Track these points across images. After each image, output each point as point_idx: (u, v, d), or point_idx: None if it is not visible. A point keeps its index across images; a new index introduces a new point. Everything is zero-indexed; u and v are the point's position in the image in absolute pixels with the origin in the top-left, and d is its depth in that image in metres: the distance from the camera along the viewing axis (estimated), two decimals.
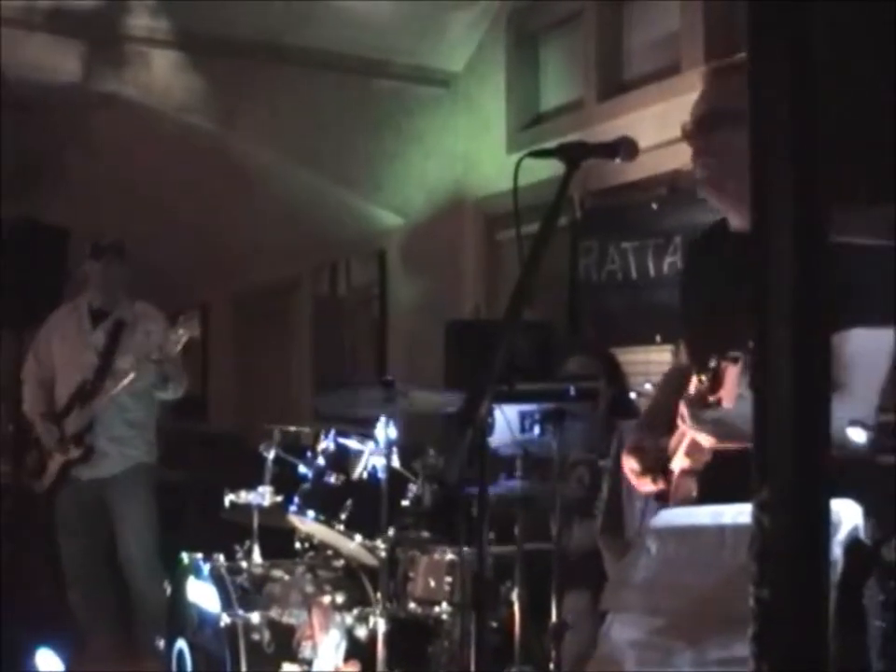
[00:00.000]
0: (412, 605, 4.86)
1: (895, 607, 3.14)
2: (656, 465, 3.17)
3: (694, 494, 2.95)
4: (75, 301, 6.47)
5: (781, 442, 1.23)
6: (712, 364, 2.82)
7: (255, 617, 4.97)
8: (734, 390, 2.75)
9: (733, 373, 2.74)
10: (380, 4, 7.68)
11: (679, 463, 3.03)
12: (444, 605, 4.78)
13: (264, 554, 5.32)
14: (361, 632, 4.94)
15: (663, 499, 3.13)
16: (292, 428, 5.59)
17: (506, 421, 4.35)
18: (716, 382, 2.83)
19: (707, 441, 2.86)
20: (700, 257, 3.39)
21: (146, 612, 6.02)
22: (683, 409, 2.90)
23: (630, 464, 3.24)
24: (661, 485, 3.16)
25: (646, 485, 3.21)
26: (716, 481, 2.89)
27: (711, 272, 3.20)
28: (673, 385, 3.32)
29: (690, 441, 2.97)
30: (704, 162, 3.05)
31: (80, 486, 6.15)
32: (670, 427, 3.09)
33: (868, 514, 2.45)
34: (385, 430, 4.87)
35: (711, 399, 2.84)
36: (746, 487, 2.66)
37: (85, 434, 6.08)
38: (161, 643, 5.39)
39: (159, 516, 6.22)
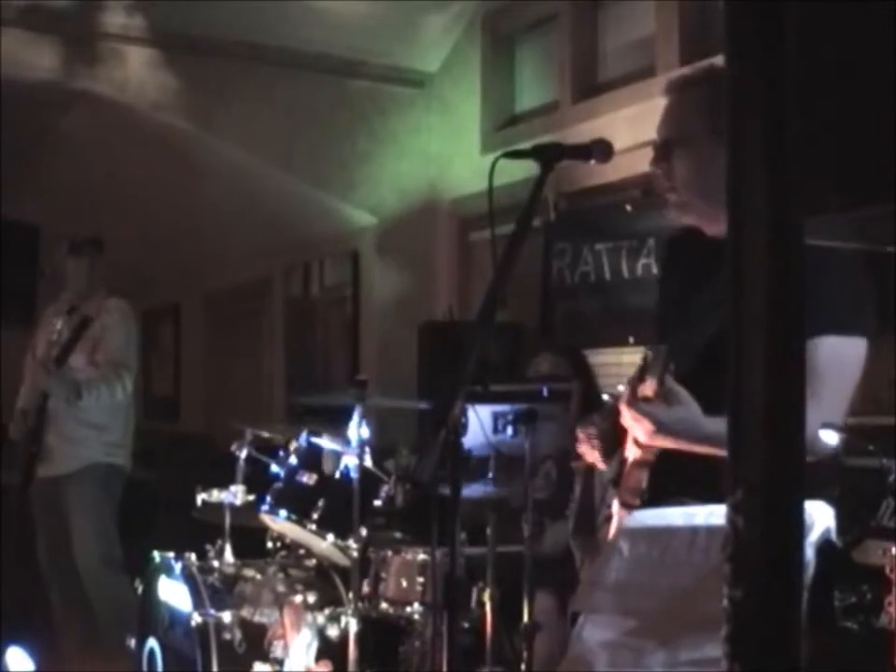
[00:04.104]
0: (383, 605, 4.86)
1: (866, 609, 3.15)
2: (605, 439, 3.21)
3: (644, 485, 2.95)
4: (62, 297, 6.45)
5: (755, 444, 1.23)
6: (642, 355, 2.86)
7: (226, 616, 4.96)
8: (652, 383, 2.76)
9: (651, 366, 2.77)
10: (355, 4, 7.68)
11: (631, 452, 3.03)
12: (416, 605, 4.78)
13: (236, 554, 5.31)
14: (333, 632, 4.94)
15: (615, 485, 3.14)
16: (265, 435, 5.58)
17: (479, 422, 4.35)
18: (643, 373, 2.85)
19: (641, 433, 2.86)
20: (671, 256, 3.44)
21: (100, 613, 6.01)
22: (624, 395, 2.90)
23: (582, 432, 3.28)
24: (599, 459, 3.20)
25: (589, 454, 3.26)
26: (667, 473, 2.90)
27: (680, 271, 3.25)
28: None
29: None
30: (666, 189, 3.10)
31: (38, 484, 6.15)
32: None
33: (839, 516, 2.47)
34: (358, 430, 4.87)
35: (639, 388, 2.86)
36: (695, 482, 2.72)
37: (40, 430, 6.07)
38: (132, 642, 5.37)
39: (119, 518, 6.19)
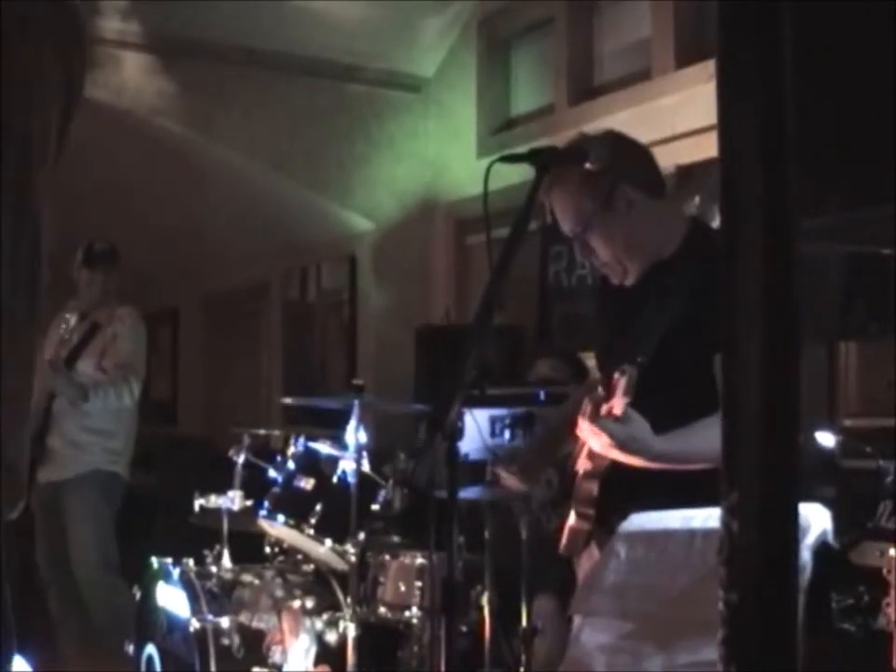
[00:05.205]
0: (381, 609, 4.85)
1: (864, 610, 3.15)
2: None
3: (595, 495, 3.09)
4: (71, 304, 6.43)
5: (750, 447, 1.23)
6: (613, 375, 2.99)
7: (224, 622, 4.95)
8: (620, 400, 2.90)
9: (621, 384, 2.90)
10: (353, 9, 7.68)
11: (582, 465, 3.15)
12: (414, 609, 4.77)
13: (234, 559, 5.30)
14: (331, 637, 4.93)
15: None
16: (262, 431, 5.58)
17: (476, 426, 4.34)
18: (609, 392, 2.98)
19: (599, 446, 2.98)
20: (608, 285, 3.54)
21: (98, 617, 6.00)
22: (584, 410, 3.05)
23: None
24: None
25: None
26: (616, 483, 3.04)
27: (617, 296, 3.34)
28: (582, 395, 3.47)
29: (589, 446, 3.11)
30: (600, 265, 3.26)
31: (39, 489, 6.14)
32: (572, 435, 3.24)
33: (837, 518, 2.47)
34: (356, 435, 4.86)
35: (604, 406, 2.99)
36: (643, 489, 2.81)
37: (44, 432, 6.06)
38: (130, 648, 5.36)
39: (117, 524, 6.17)
